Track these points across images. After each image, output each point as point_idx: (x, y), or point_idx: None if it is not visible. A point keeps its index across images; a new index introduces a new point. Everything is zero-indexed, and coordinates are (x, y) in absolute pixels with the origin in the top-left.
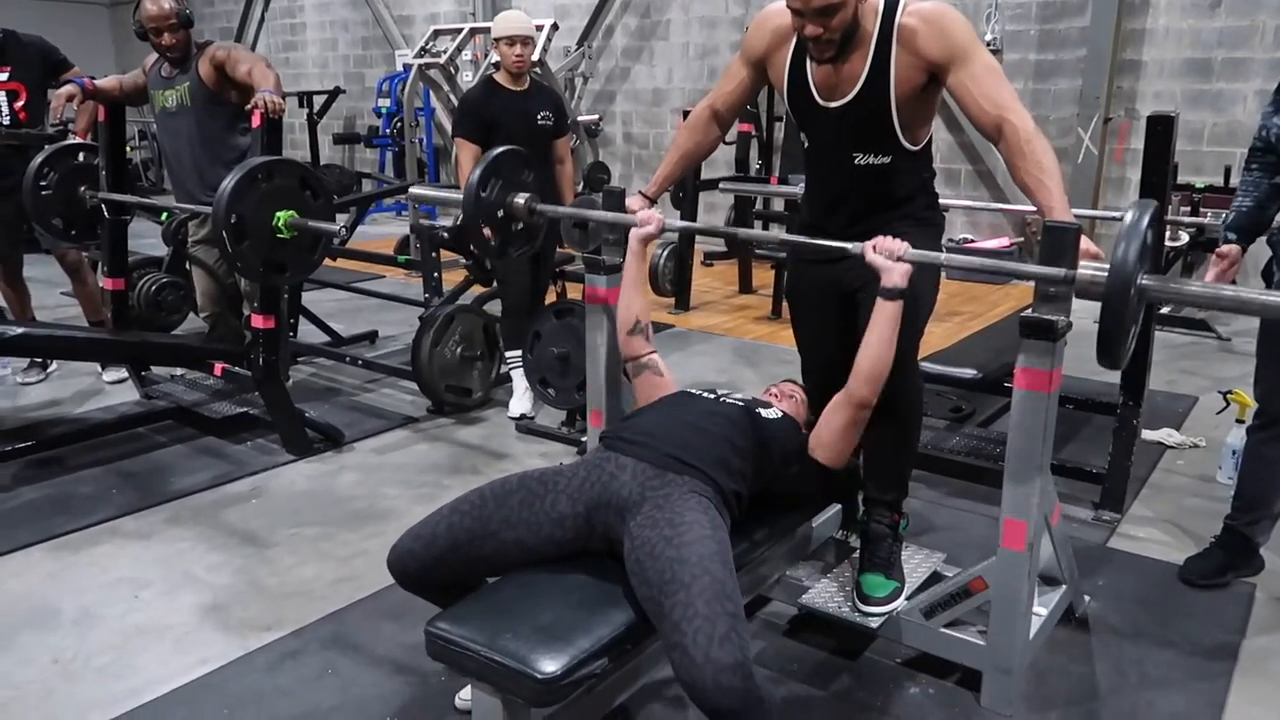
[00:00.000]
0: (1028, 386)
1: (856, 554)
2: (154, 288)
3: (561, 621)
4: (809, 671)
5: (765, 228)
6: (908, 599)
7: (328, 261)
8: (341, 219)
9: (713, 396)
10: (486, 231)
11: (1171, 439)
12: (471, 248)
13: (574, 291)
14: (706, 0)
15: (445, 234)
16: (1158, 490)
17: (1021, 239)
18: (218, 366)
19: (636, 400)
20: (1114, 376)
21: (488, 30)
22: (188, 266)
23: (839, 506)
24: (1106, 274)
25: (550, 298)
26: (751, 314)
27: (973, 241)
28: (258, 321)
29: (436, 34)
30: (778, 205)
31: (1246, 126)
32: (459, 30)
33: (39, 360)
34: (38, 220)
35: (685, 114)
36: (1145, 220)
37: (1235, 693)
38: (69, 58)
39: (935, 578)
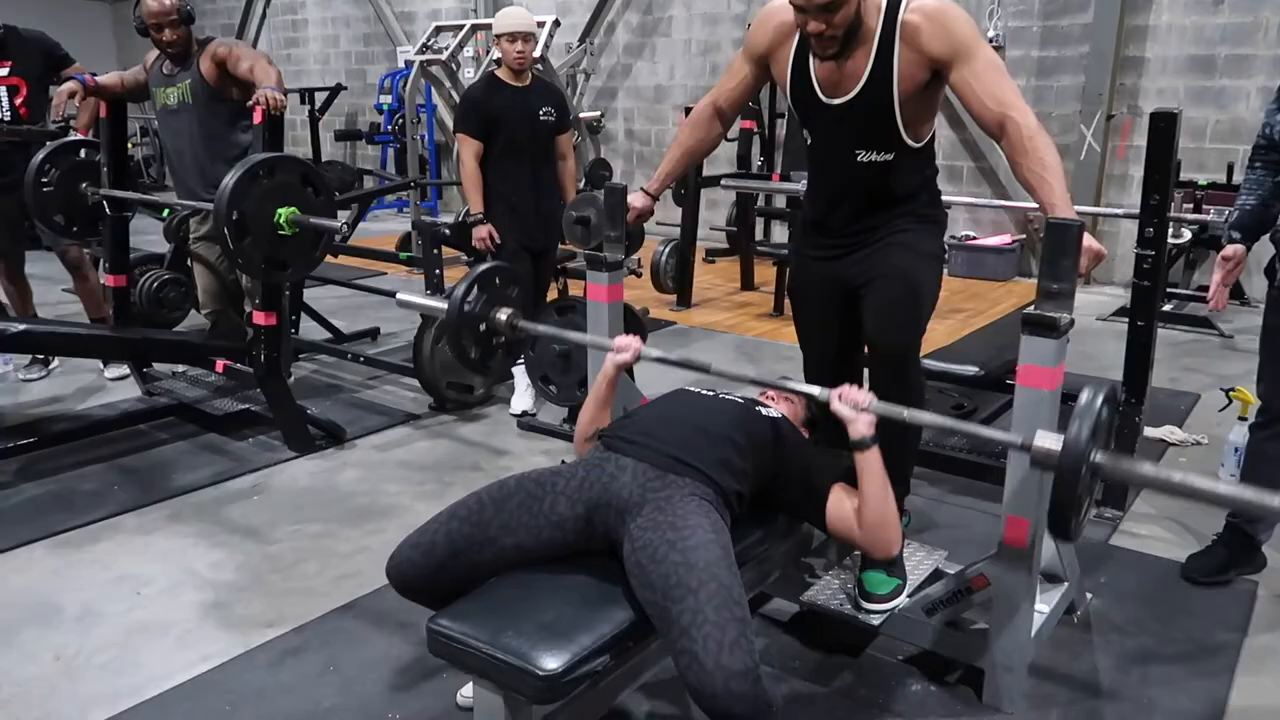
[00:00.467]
0: (1030, 383)
1: (858, 551)
2: (156, 284)
3: (563, 619)
4: (811, 669)
5: (767, 225)
6: (909, 596)
7: (329, 258)
8: (343, 216)
9: (711, 394)
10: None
11: (1174, 436)
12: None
13: (575, 288)
14: None
15: (447, 231)
16: None
17: (1024, 236)
18: (219, 363)
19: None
20: (1117, 374)
21: (489, 26)
22: (189, 263)
23: None
24: (1060, 450)
25: (552, 294)
26: (753, 311)
27: (975, 239)
28: (259, 318)
29: (438, 30)
30: (779, 202)
31: (1249, 123)
32: (461, 26)
33: (41, 357)
34: (39, 217)
35: (687, 110)
36: (1099, 400)
37: (1237, 690)
38: (70, 53)
39: (937, 575)
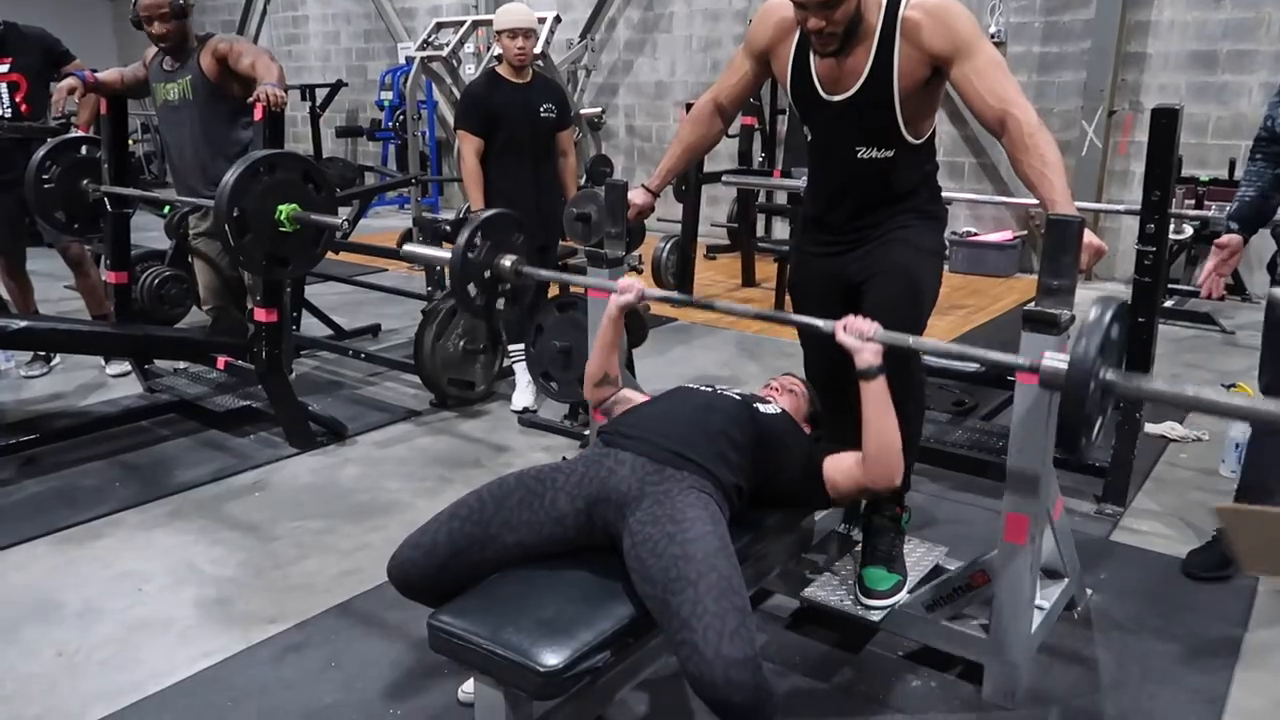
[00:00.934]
0: (1030, 380)
1: (859, 548)
2: (157, 281)
3: (564, 615)
4: (811, 665)
5: (768, 221)
6: (910, 592)
7: (330, 255)
8: (344, 212)
9: (711, 390)
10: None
11: (1175, 432)
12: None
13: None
14: None
15: (448, 227)
16: (1161, 484)
17: (1025, 232)
18: (221, 360)
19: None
20: None
21: (490, 23)
22: (190, 260)
23: None
24: (1067, 366)
25: (553, 291)
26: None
27: (976, 235)
28: (260, 315)
29: (439, 26)
30: (781, 198)
31: (1251, 119)
32: (461, 23)
33: (42, 354)
34: (40, 214)
35: (688, 107)
36: (1108, 317)
37: (1237, 685)
38: (70, 50)
39: (937, 571)
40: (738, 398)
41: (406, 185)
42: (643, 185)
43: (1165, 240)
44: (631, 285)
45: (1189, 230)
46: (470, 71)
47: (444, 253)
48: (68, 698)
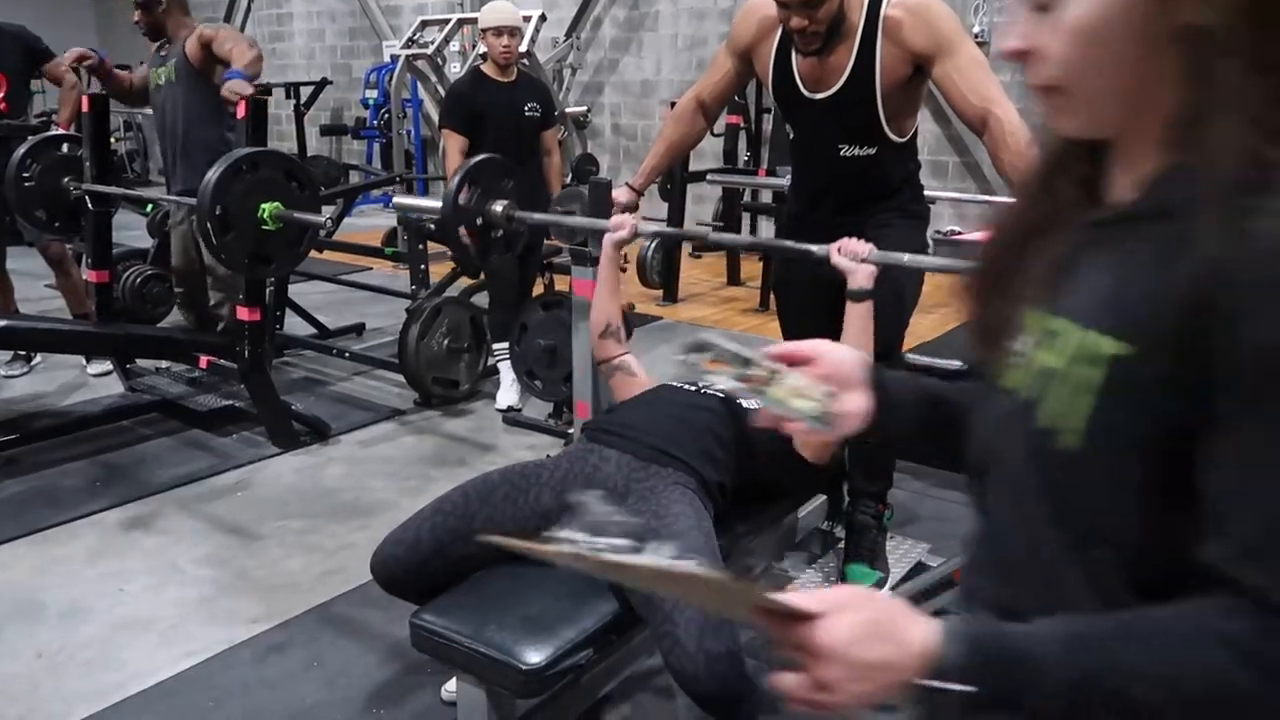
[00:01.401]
0: None
1: (841, 544)
2: (139, 280)
3: (547, 612)
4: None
5: (754, 219)
6: (892, 589)
7: (314, 254)
8: (329, 211)
9: (694, 389)
10: (465, 238)
11: None
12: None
13: (561, 283)
14: None
15: (432, 226)
16: None
17: None
18: (203, 359)
19: (614, 400)
20: None
21: (475, 21)
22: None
23: (824, 498)
24: None
25: (537, 289)
26: (740, 306)
27: (960, 234)
28: (243, 314)
29: (424, 25)
30: (766, 197)
31: None
32: (446, 21)
33: (23, 353)
34: (20, 212)
35: (673, 105)
36: None
37: None
38: (52, 48)
39: (919, 568)
40: (722, 395)
41: (391, 184)
42: (627, 184)
43: None
44: (624, 222)
45: None
46: (455, 70)
47: (435, 202)
48: (50, 698)
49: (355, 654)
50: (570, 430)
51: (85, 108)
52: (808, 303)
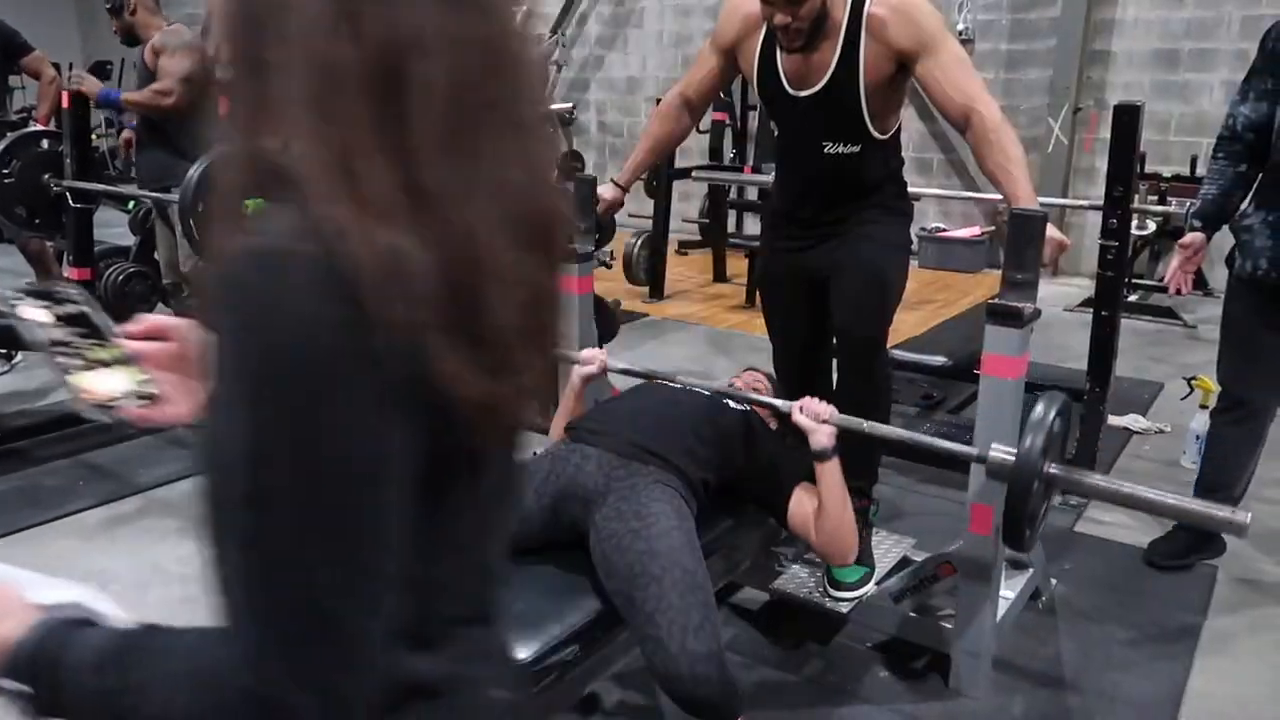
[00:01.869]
0: (994, 372)
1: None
2: (121, 278)
3: (531, 609)
4: (780, 657)
5: (739, 217)
6: (877, 584)
7: None
8: None
9: (677, 387)
10: None
11: (1138, 424)
12: None
13: None
14: None
15: None
16: (1124, 475)
17: (993, 228)
18: None
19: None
20: (1082, 363)
21: None
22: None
23: None
24: (1012, 463)
25: None
26: (726, 303)
27: (945, 231)
28: None
29: None
30: (752, 194)
31: (1213, 117)
32: None
33: (3, 351)
34: (0, 209)
35: (659, 102)
36: (1051, 414)
37: (1197, 672)
38: (31, 42)
39: (904, 563)
40: (706, 394)
41: None
42: (612, 180)
43: (1128, 235)
44: (594, 356)
45: (1152, 226)
46: None
47: None
48: None
49: None
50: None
51: (65, 104)
52: (792, 299)
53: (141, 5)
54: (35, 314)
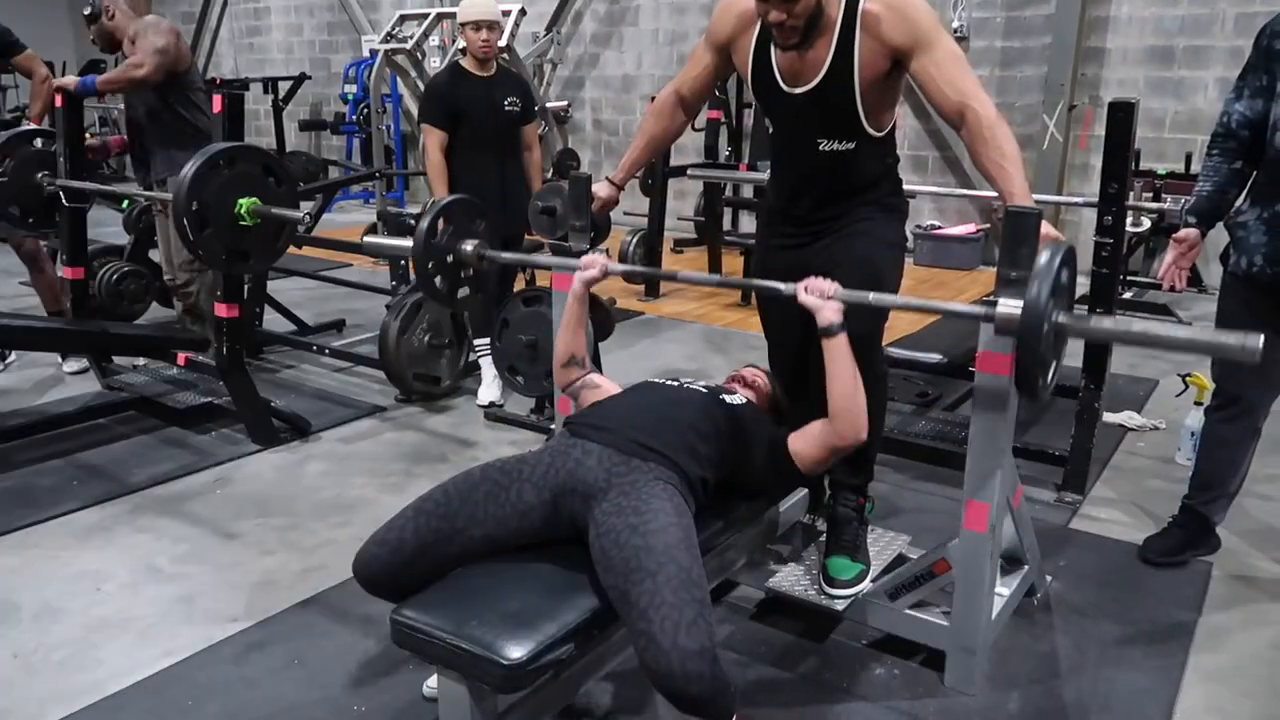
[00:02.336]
0: (989, 370)
1: (823, 537)
2: (115, 276)
3: (528, 608)
4: (776, 654)
5: (735, 214)
6: (873, 581)
7: (294, 249)
8: (308, 206)
9: (677, 384)
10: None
11: (1133, 422)
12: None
13: (542, 279)
14: None
15: (413, 221)
16: (1119, 472)
17: (988, 225)
18: (181, 356)
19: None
20: (1077, 361)
21: (454, 15)
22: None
23: (805, 491)
24: (1020, 311)
25: (519, 285)
26: (721, 301)
27: (940, 228)
28: (221, 310)
29: (403, 19)
30: (747, 192)
31: (1207, 114)
32: (425, 15)
33: None
34: None
35: (654, 100)
36: (1056, 261)
37: (1191, 669)
38: (23, 41)
39: (900, 560)
40: (704, 390)
41: (371, 179)
42: (607, 178)
43: (1122, 232)
44: (595, 261)
45: (1147, 223)
46: (435, 64)
47: (405, 243)
48: (24, 699)
49: (336, 651)
50: (552, 425)
51: (59, 102)
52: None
53: (119, 9)
54: None
